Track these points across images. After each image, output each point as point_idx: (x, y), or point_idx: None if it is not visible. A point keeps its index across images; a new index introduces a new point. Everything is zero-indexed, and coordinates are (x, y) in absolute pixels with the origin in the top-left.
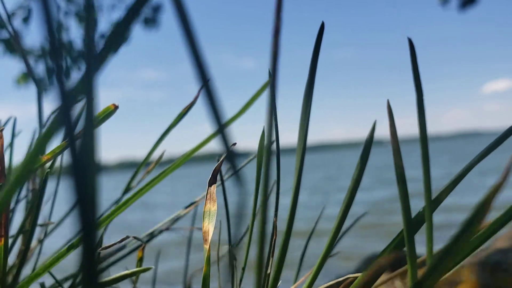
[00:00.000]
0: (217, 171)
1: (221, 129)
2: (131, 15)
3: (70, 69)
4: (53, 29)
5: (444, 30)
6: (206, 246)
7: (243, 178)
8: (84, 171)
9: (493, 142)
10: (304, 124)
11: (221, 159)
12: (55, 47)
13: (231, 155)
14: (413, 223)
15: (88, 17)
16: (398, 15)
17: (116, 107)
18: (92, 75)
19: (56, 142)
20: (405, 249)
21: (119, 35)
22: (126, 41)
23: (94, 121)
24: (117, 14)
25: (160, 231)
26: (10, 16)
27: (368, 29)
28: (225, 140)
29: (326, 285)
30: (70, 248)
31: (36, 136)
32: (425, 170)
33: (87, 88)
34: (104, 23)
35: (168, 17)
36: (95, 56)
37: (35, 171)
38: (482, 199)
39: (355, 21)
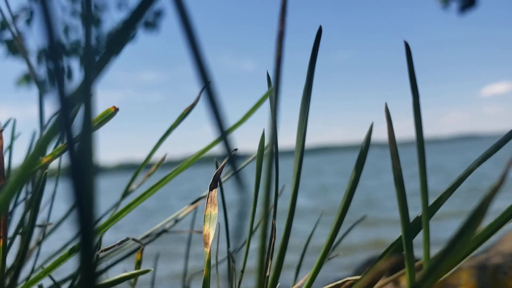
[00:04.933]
0: (218, 175)
1: (223, 133)
2: (134, 18)
3: (73, 70)
4: (53, 30)
5: (444, 33)
6: (207, 250)
7: (243, 181)
8: (83, 173)
9: (492, 148)
10: (302, 126)
11: (222, 163)
12: (55, 49)
13: (232, 159)
14: (411, 227)
15: (87, 19)
16: (398, 17)
17: (116, 110)
18: (91, 77)
19: (56, 143)
20: (403, 252)
21: (121, 38)
22: (130, 42)
23: (92, 123)
24: (123, 13)
25: (159, 233)
26: (14, 18)
27: (368, 31)
28: (227, 145)
29: (325, 287)
30: (71, 252)
31: (36, 137)
32: (422, 172)
33: (85, 90)
34: (110, 23)
35: (168, 18)
36: (95, 58)
37: (35, 172)
38: (479, 202)
39: (355, 23)
